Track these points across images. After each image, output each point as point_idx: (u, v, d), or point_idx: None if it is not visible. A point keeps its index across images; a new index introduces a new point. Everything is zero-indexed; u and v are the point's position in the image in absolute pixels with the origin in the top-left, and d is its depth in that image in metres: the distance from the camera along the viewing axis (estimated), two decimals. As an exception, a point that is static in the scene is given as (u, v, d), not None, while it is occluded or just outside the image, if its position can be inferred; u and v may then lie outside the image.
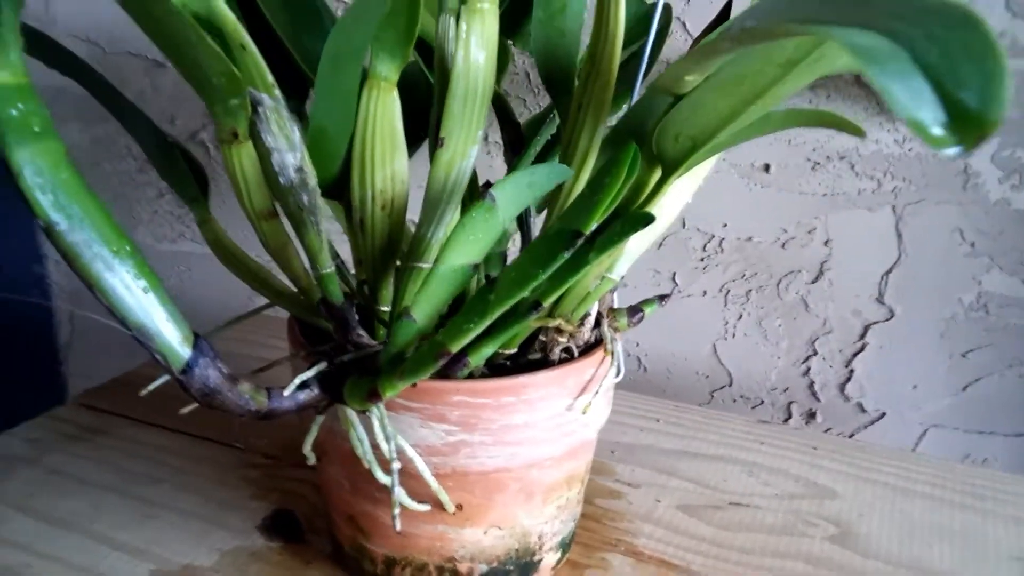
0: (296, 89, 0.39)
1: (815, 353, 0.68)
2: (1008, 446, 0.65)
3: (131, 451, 0.51)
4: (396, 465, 0.33)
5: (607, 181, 0.30)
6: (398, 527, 0.34)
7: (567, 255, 0.29)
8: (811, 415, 0.70)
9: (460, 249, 0.31)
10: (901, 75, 0.15)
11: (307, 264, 0.34)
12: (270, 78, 0.29)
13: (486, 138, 0.71)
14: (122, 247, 0.28)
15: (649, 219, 0.32)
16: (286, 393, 0.32)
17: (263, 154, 0.30)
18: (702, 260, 0.68)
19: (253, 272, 0.39)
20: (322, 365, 0.33)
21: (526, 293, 0.29)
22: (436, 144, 0.32)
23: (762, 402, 0.71)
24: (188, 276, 0.92)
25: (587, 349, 0.37)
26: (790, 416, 0.70)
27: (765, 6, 0.25)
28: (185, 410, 0.40)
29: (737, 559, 0.43)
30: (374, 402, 0.31)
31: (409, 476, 0.35)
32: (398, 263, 0.35)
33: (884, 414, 0.67)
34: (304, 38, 0.38)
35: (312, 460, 0.37)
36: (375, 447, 0.34)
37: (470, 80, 0.31)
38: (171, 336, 0.29)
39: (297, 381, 0.32)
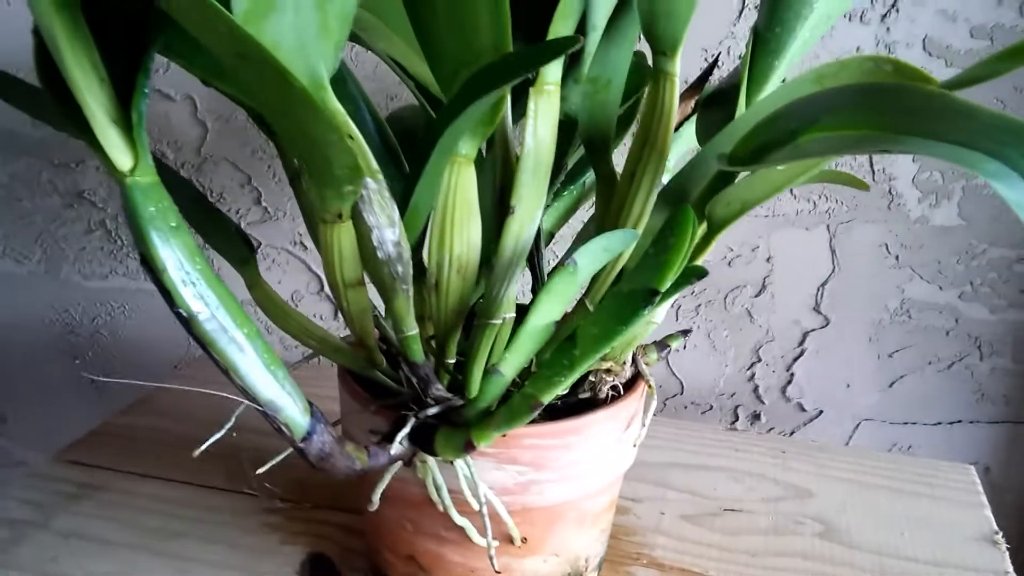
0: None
1: (759, 360, 0.74)
2: (928, 434, 0.73)
3: (141, 506, 0.51)
4: (486, 509, 0.35)
5: (674, 242, 0.33)
6: (496, 567, 0.37)
7: (646, 312, 0.32)
8: (756, 417, 0.76)
9: (546, 309, 0.34)
10: (1011, 185, 0.20)
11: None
12: (374, 164, 0.30)
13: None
14: (250, 329, 0.29)
15: (703, 273, 0.36)
16: (393, 450, 0.34)
17: (363, 231, 0.32)
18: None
19: (306, 329, 0.40)
20: (412, 421, 0.35)
21: (608, 348, 0.32)
22: (506, 212, 0.35)
23: (711, 407, 0.77)
24: (122, 314, 0.89)
25: (628, 385, 0.41)
26: (737, 419, 0.76)
27: (821, 104, 0.30)
28: (197, 452, 0.41)
29: (746, 561, 0.47)
30: (469, 452, 0.34)
31: (475, 514, 0.37)
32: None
33: (821, 412, 0.74)
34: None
35: (373, 507, 0.39)
36: (452, 491, 0.37)
37: (539, 154, 0.34)
38: (293, 408, 0.30)
39: (400, 437, 0.34)
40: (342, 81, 0.39)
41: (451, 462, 0.36)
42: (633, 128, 0.42)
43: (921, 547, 0.49)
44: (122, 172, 0.27)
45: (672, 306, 0.73)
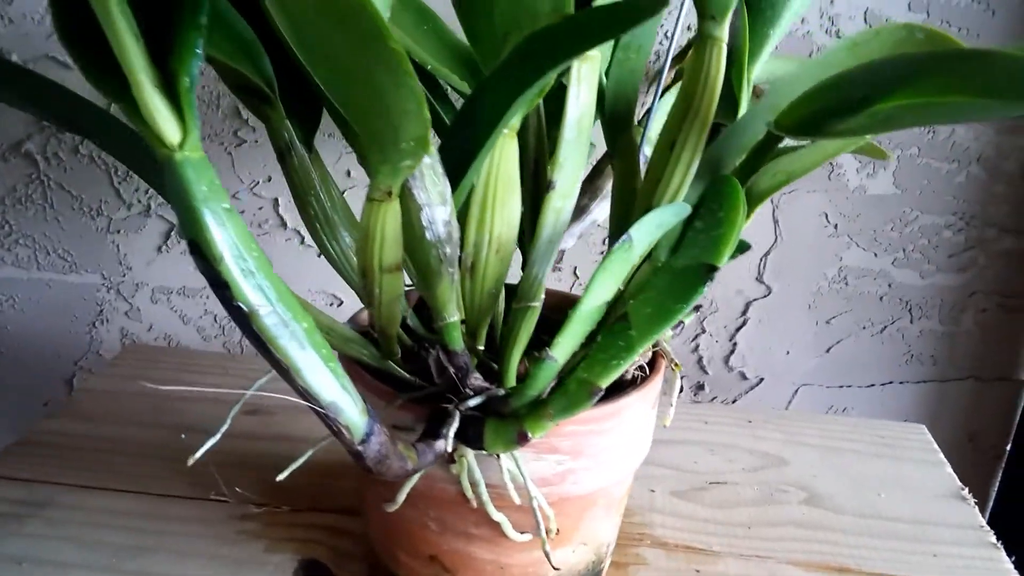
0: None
1: (703, 331, 0.74)
2: (863, 396, 0.76)
3: (97, 522, 0.45)
4: (535, 503, 0.33)
5: (726, 215, 0.32)
6: (553, 563, 0.35)
7: (705, 289, 0.31)
8: (700, 387, 0.77)
9: (601, 289, 0.32)
10: None
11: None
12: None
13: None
14: (309, 323, 0.26)
15: (746, 247, 0.35)
16: (439, 447, 0.31)
17: (412, 210, 0.29)
18: (602, 254, 0.72)
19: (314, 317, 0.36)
20: (456, 415, 0.32)
21: (668, 328, 0.31)
22: (546, 187, 0.33)
23: (655, 380, 0.77)
24: (11, 307, 0.81)
25: (650, 364, 0.39)
26: (682, 389, 0.77)
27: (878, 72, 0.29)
28: (191, 461, 0.38)
29: (744, 534, 0.48)
30: (522, 445, 0.32)
31: (514, 508, 0.35)
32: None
33: (762, 379, 0.76)
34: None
35: (395, 507, 0.37)
36: (490, 486, 0.35)
37: (581, 125, 0.32)
38: (353, 409, 0.27)
39: (451, 433, 0.31)
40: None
41: (498, 456, 0.33)
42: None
43: (898, 507, 0.51)
44: (170, 146, 0.23)
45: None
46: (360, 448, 0.28)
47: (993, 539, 0.48)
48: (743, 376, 0.76)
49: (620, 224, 0.39)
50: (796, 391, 0.76)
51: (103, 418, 0.56)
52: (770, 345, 0.74)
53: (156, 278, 0.77)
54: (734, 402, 0.77)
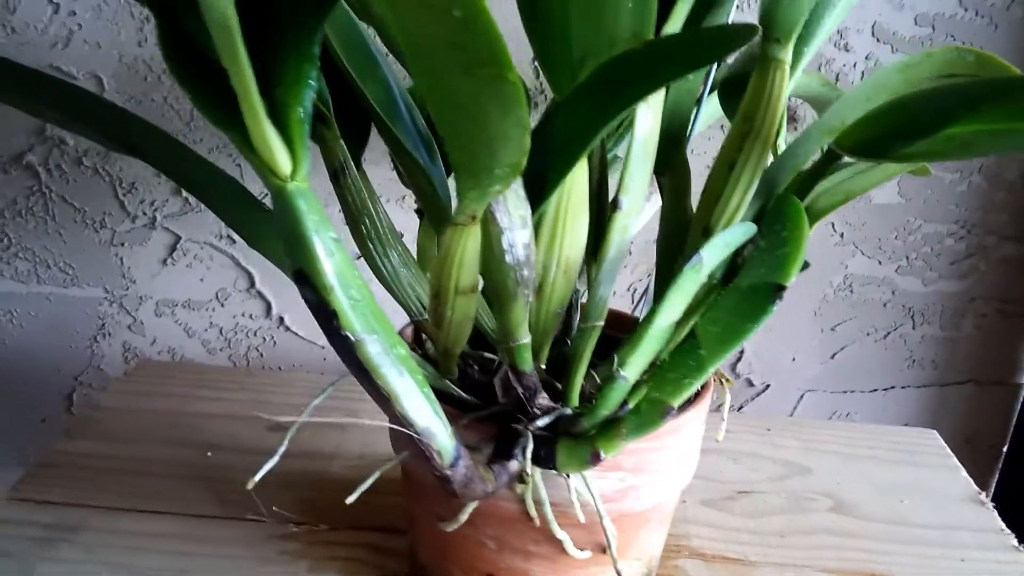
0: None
1: (711, 339, 0.75)
2: (865, 401, 0.77)
3: (132, 545, 0.45)
4: (607, 520, 0.34)
5: (790, 235, 0.33)
6: None
7: (774, 308, 0.32)
8: (707, 394, 0.78)
9: (672, 309, 0.32)
10: None
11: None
12: (516, 158, 0.28)
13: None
14: (404, 349, 0.26)
15: (807, 265, 0.35)
16: (513, 467, 0.31)
17: (493, 234, 0.29)
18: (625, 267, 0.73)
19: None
20: (528, 435, 0.33)
21: (738, 346, 0.32)
22: (612, 207, 0.33)
23: (663, 388, 0.78)
24: (9, 322, 0.79)
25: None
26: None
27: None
28: (250, 485, 0.37)
29: (778, 543, 0.48)
30: (595, 464, 0.32)
31: (574, 526, 0.36)
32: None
33: (768, 385, 0.77)
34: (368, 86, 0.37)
35: (455, 526, 0.37)
36: (553, 504, 0.35)
37: (648, 145, 0.33)
38: (444, 434, 0.28)
39: (529, 454, 0.32)
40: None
41: (567, 475, 0.33)
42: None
43: (921, 513, 0.52)
44: (282, 176, 0.23)
45: (628, 289, 0.74)
46: (449, 472, 0.28)
47: (1015, 542, 0.50)
48: (750, 383, 0.77)
49: (670, 241, 0.40)
50: (801, 397, 0.77)
51: (124, 437, 0.55)
52: (776, 352, 0.76)
53: (160, 291, 0.76)
54: (740, 409, 0.78)
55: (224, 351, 0.79)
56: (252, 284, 0.75)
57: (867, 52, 0.65)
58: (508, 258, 0.30)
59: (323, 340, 0.78)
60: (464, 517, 0.36)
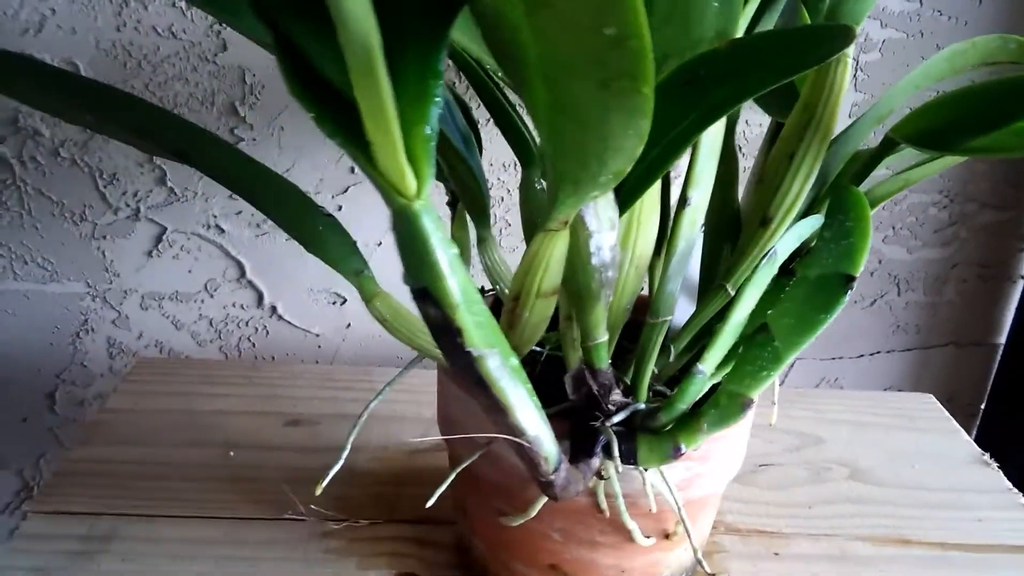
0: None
1: (706, 312, 0.77)
2: (852, 367, 0.80)
3: (172, 552, 0.44)
4: (683, 511, 0.34)
5: (855, 225, 0.34)
6: (668, 563, 0.36)
7: (846, 298, 0.32)
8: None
9: (749, 300, 0.33)
10: None
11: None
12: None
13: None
14: (516, 360, 0.26)
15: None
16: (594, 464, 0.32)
17: (581, 237, 0.29)
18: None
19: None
20: (609, 432, 0.33)
21: (811, 338, 0.32)
22: (682, 203, 0.33)
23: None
24: (14, 321, 0.76)
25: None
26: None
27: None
28: (319, 490, 0.37)
29: (806, 514, 0.50)
30: (677, 458, 0.32)
31: (643, 515, 0.36)
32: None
33: (760, 356, 0.79)
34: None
35: (522, 520, 0.37)
36: (626, 496, 0.35)
37: (714, 140, 0.33)
38: (549, 439, 0.28)
39: (615, 451, 0.32)
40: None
41: (644, 469, 0.34)
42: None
43: (933, 477, 0.54)
44: (408, 195, 0.22)
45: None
46: (553, 477, 0.28)
47: (1023, 500, 0.52)
48: (742, 353, 0.78)
49: (717, 230, 0.40)
50: (792, 365, 0.79)
51: (138, 440, 0.53)
52: (768, 322, 0.77)
53: (146, 284, 0.74)
54: (733, 379, 0.80)
55: (215, 343, 0.77)
56: (243, 274, 0.74)
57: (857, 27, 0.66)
58: (595, 260, 0.30)
59: (317, 328, 0.77)
60: (534, 512, 0.36)
